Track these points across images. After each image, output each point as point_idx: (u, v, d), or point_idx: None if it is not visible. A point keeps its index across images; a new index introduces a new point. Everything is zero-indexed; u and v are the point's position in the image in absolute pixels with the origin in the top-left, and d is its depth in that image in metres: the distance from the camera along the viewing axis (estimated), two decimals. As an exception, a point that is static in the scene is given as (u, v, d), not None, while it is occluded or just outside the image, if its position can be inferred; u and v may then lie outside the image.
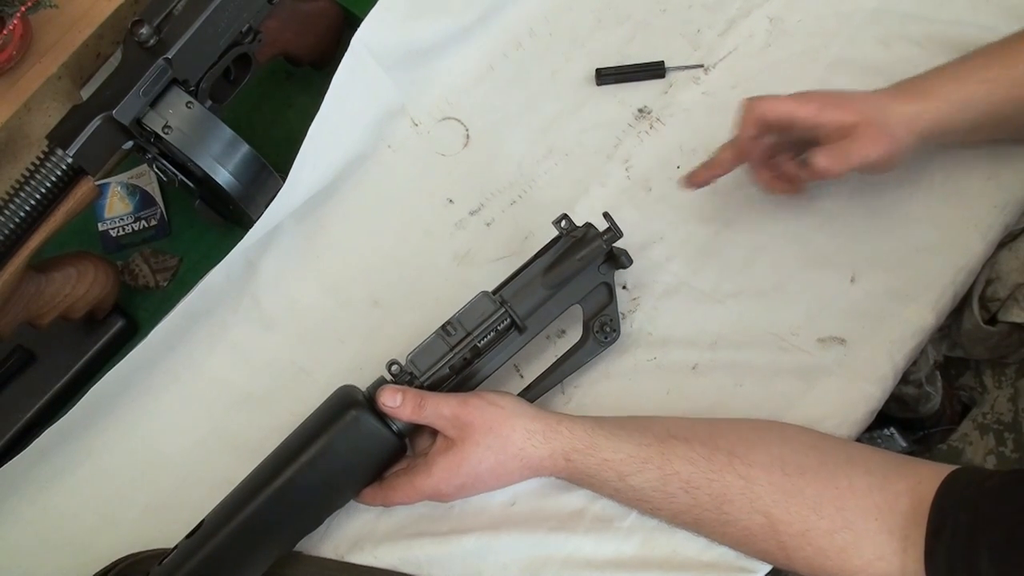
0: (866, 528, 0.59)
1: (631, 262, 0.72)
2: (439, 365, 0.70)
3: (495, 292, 0.71)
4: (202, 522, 0.68)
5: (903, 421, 0.87)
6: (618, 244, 0.72)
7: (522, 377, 0.76)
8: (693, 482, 0.63)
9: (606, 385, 0.75)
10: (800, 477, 0.62)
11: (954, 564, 0.55)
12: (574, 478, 0.68)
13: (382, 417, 0.68)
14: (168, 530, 0.71)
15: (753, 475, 0.62)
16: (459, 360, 0.70)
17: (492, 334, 0.71)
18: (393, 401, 0.67)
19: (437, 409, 0.67)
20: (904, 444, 0.90)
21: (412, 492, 0.68)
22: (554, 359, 0.74)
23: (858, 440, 0.73)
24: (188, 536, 0.67)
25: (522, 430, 0.66)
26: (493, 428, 0.66)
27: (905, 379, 0.74)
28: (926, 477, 0.59)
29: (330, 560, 0.72)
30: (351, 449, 0.67)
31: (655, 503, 0.65)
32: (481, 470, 0.67)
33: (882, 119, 0.67)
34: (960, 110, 0.69)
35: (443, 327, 0.70)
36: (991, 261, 0.77)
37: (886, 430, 0.91)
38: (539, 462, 0.67)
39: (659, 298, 0.77)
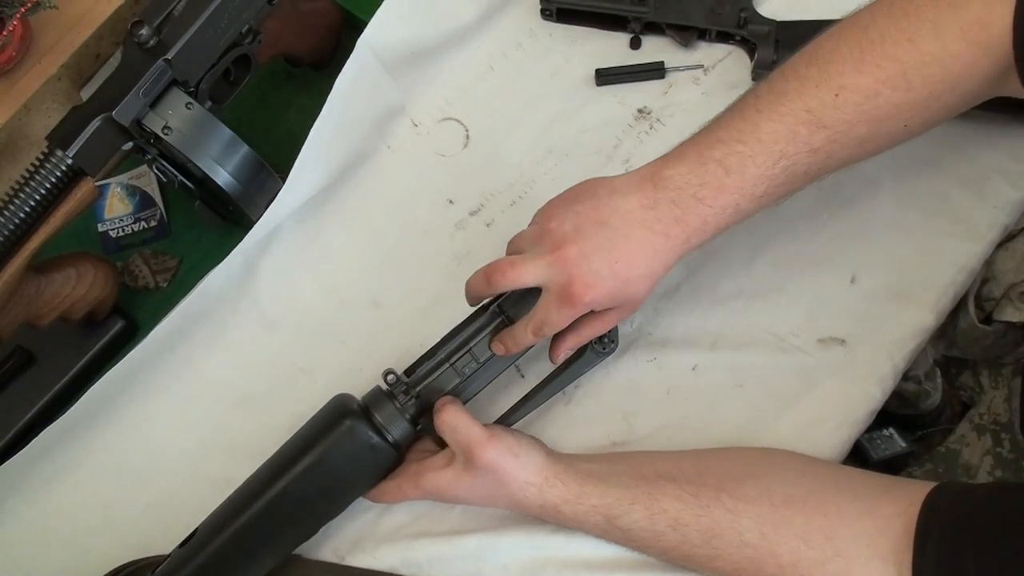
0: (858, 555, 0.58)
1: None
2: (435, 375, 0.69)
3: (495, 303, 0.70)
4: (196, 531, 0.68)
5: (903, 418, 0.87)
6: None
7: (523, 377, 0.76)
8: (681, 519, 0.63)
9: (606, 385, 0.75)
10: (788, 508, 0.61)
11: (941, 573, 0.55)
12: (562, 523, 0.68)
13: (377, 427, 0.68)
14: (168, 530, 0.71)
15: (741, 508, 0.62)
16: (457, 371, 0.69)
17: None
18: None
19: (467, 429, 0.66)
20: (903, 444, 0.90)
21: (399, 496, 0.69)
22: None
23: (858, 440, 0.73)
24: (181, 545, 0.67)
25: (522, 482, 0.66)
26: (498, 472, 0.66)
27: (904, 375, 0.74)
28: (916, 499, 0.58)
29: (330, 564, 0.72)
30: (346, 459, 0.67)
31: (644, 542, 0.65)
32: (469, 498, 0.68)
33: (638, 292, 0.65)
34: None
35: (443, 339, 0.70)
36: (988, 261, 0.77)
37: (885, 431, 0.91)
38: (528, 508, 0.67)
39: (659, 298, 0.77)
